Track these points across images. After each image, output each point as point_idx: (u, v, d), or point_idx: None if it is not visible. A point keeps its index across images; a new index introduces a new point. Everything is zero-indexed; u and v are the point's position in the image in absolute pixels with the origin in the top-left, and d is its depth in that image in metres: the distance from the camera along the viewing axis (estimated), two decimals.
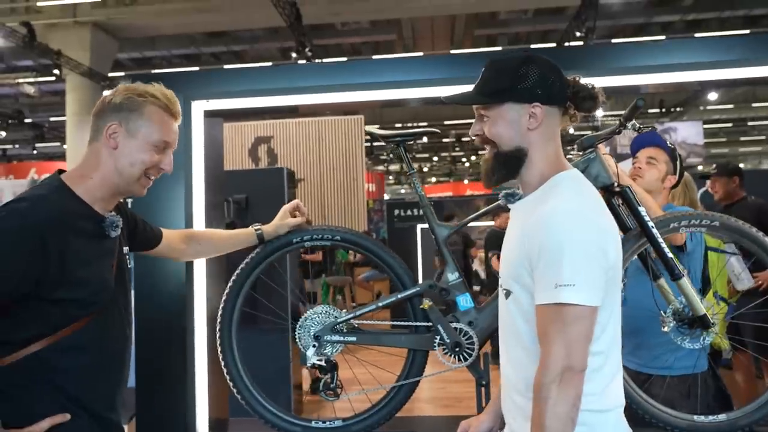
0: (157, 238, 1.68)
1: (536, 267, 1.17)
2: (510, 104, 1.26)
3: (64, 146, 14.14)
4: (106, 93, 1.45)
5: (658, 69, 1.99)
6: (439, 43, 14.44)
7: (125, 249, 1.50)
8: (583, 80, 1.29)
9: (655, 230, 1.70)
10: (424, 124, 17.26)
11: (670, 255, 1.71)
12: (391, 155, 23.86)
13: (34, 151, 19.03)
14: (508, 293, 1.27)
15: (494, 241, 6.21)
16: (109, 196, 1.42)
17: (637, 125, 1.64)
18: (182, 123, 1.98)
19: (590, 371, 1.16)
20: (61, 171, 1.42)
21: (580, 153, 1.77)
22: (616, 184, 1.72)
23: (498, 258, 5.89)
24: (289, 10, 10.58)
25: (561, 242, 1.14)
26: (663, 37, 13.25)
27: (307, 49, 11.47)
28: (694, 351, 1.92)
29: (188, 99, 1.97)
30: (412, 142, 1.95)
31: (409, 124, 17.44)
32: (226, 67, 14.63)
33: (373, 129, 1.91)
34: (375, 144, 21.43)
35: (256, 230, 1.84)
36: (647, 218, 1.71)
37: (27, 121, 16.92)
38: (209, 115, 2.10)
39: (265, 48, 14.73)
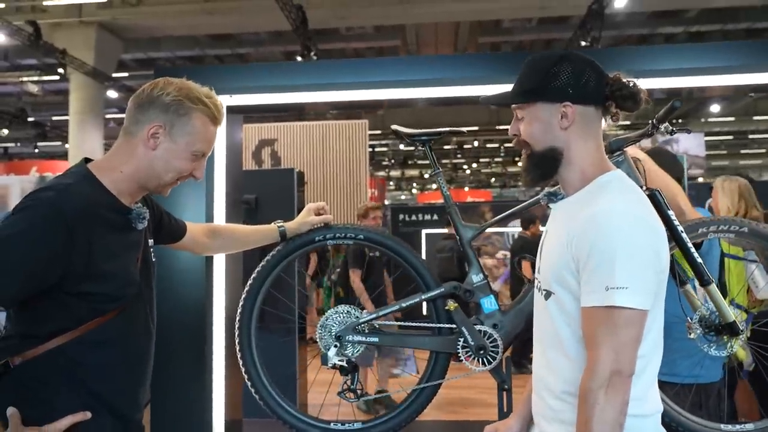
0: (181, 231, 1.65)
1: (584, 269, 1.14)
2: (541, 104, 1.25)
3: (66, 146, 14.12)
4: (153, 84, 1.36)
5: (670, 73, 2.00)
6: (442, 49, 14.46)
7: (150, 242, 1.46)
8: (625, 78, 1.26)
9: (684, 235, 1.68)
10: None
11: (700, 260, 1.69)
12: (392, 161, 23.90)
13: (36, 150, 18.99)
14: (548, 294, 1.24)
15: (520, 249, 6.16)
16: (136, 190, 1.39)
17: (670, 128, 1.62)
18: None
19: (633, 375, 1.13)
20: (87, 159, 1.39)
21: (608, 155, 1.76)
22: (644, 188, 1.70)
23: (530, 263, 5.86)
24: (295, 13, 10.59)
25: (614, 244, 1.11)
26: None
27: (312, 53, 11.48)
28: (712, 360, 1.90)
29: None
30: (434, 142, 1.93)
31: None
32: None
33: (400, 128, 1.89)
34: (377, 150, 21.52)
35: (278, 227, 1.82)
36: (677, 222, 1.69)
37: (29, 119, 16.89)
38: (230, 111, 2.08)
39: (270, 51, 14.75)
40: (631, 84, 1.25)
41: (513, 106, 1.30)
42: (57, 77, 12.57)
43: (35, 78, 14.46)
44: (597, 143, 1.27)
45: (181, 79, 1.39)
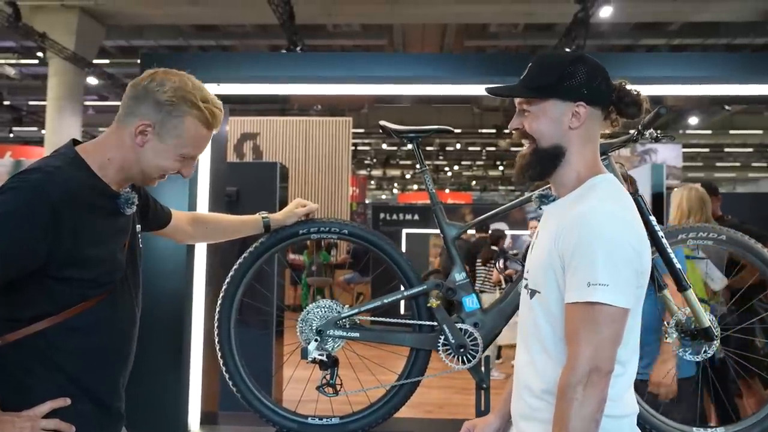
0: (167, 218, 1.62)
1: (569, 265, 1.16)
2: (554, 101, 1.25)
3: (43, 131, 13.82)
4: (152, 75, 1.30)
5: (651, 81, 2.04)
6: (428, 51, 14.50)
7: (138, 227, 1.44)
8: (629, 86, 1.28)
9: (665, 240, 1.71)
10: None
11: (678, 266, 1.73)
12: (374, 160, 23.89)
13: (11, 135, 18.56)
14: (533, 293, 1.26)
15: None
16: (123, 178, 1.36)
17: (655, 134, 1.65)
18: None
19: (612, 376, 1.14)
20: (75, 141, 1.35)
21: None
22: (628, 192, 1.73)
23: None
24: (282, 8, 10.51)
25: (598, 241, 1.13)
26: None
27: (298, 49, 11.40)
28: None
29: None
30: (422, 140, 1.93)
31: None
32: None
33: (388, 124, 1.89)
34: (359, 148, 21.49)
35: (263, 218, 1.81)
36: (657, 228, 1.72)
37: (5, 103, 16.49)
38: None
39: (255, 44, 14.63)
40: (635, 92, 1.28)
41: (518, 100, 1.30)
42: (35, 61, 12.28)
43: (13, 61, 14.11)
44: (594, 147, 1.29)
45: (181, 75, 1.32)
